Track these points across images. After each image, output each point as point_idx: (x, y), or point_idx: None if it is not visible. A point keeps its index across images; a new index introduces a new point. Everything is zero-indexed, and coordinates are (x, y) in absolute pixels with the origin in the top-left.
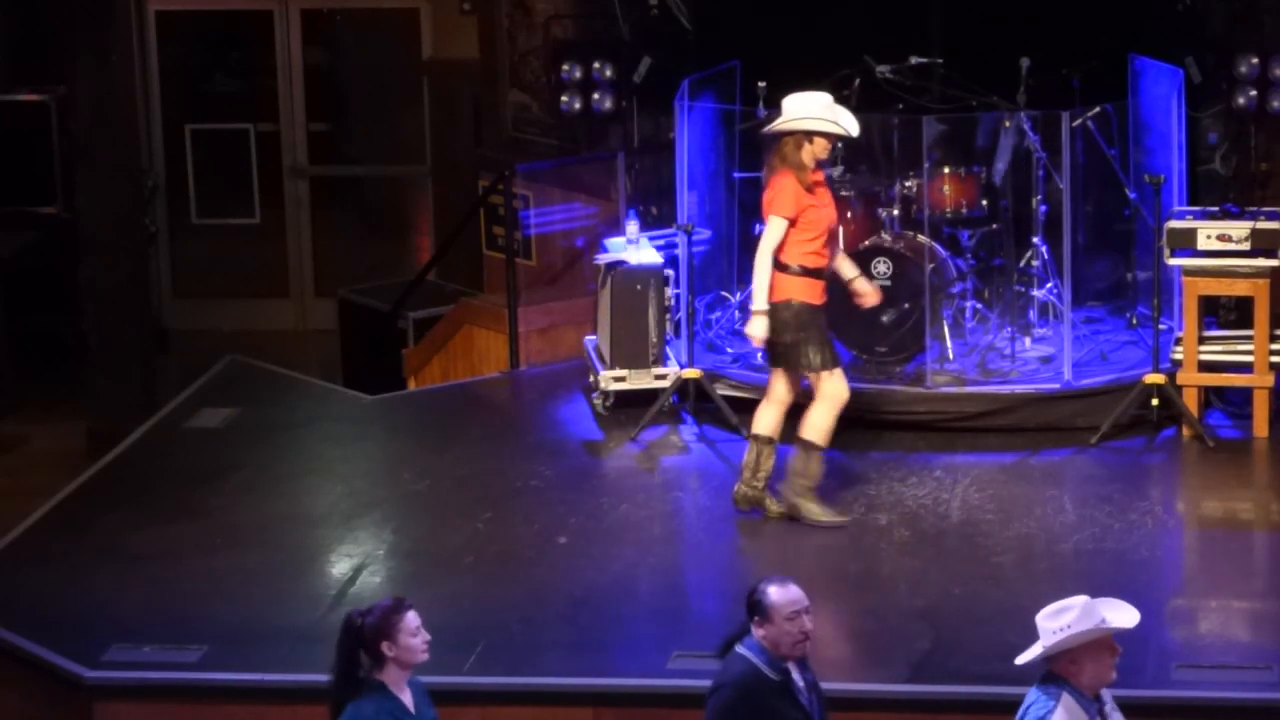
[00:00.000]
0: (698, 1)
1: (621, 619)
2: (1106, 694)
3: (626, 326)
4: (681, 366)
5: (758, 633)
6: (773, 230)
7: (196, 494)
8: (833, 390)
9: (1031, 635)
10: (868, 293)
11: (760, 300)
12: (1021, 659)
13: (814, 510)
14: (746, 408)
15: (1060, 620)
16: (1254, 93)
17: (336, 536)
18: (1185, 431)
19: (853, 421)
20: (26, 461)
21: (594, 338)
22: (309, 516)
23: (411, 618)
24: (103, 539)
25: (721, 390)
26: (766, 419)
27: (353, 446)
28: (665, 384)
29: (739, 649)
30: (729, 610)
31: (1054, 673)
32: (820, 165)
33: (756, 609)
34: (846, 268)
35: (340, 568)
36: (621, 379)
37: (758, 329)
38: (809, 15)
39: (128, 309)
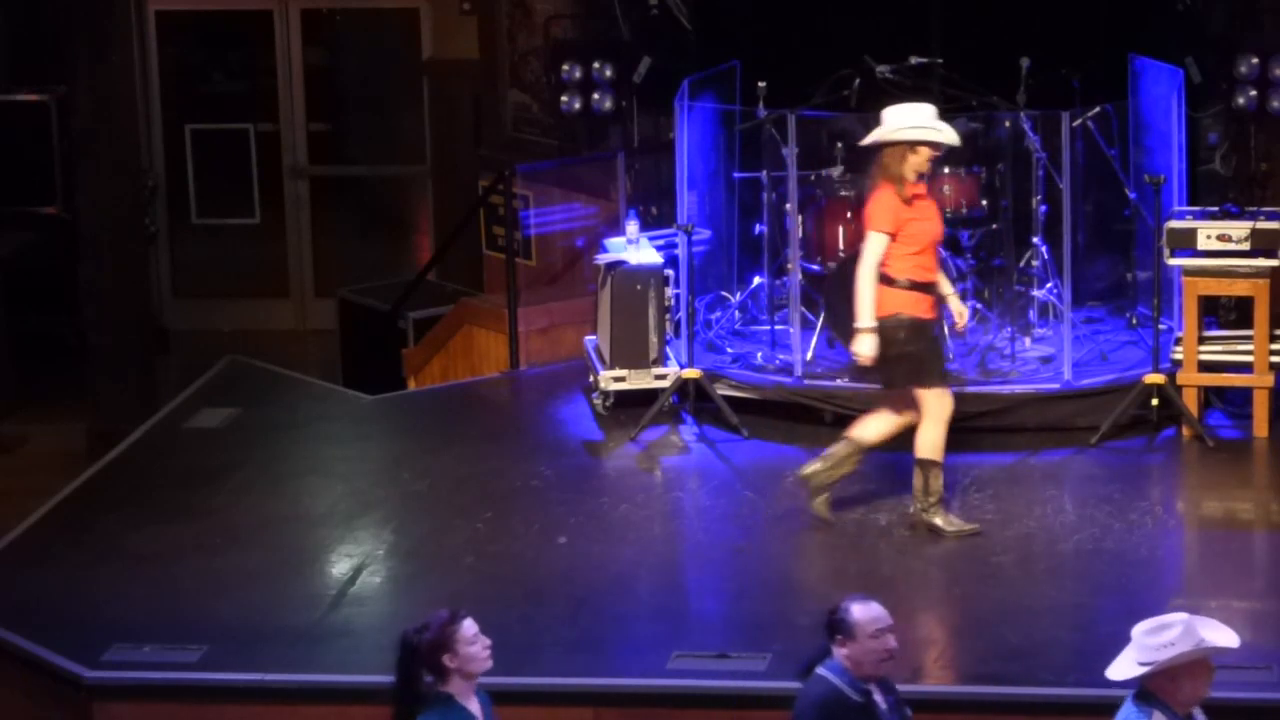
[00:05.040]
0: (698, 1)
1: (621, 619)
2: (1195, 710)
3: (626, 326)
4: (681, 366)
5: (840, 652)
6: (872, 246)
7: (196, 494)
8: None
9: (1032, 636)
10: (961, 313)
11: (865, 317)
12: (1118, 674)
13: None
14: (746, 408)
15: (1162, 637)
16: (1254, 93)
17: (336, 536)
18: (1185, 431)
19: (852, 421)
20: (26, 461)
21: (594, 338)
22: (309, 516)
23: (468, 626)
24: (103, 539)
25: (721, 390)
26: (925, 440)
27: (353, 446)
28: (665, 384)
29: (820, 671)
30: (729, 610)
31: (1149, 690)
32: (921, 177)
33: (839, 628)
34: (944, 284)
35: (340, 568)
36: (621, 379)
37: (866, 347)
38: (809, 15)
39: (128, 309)
